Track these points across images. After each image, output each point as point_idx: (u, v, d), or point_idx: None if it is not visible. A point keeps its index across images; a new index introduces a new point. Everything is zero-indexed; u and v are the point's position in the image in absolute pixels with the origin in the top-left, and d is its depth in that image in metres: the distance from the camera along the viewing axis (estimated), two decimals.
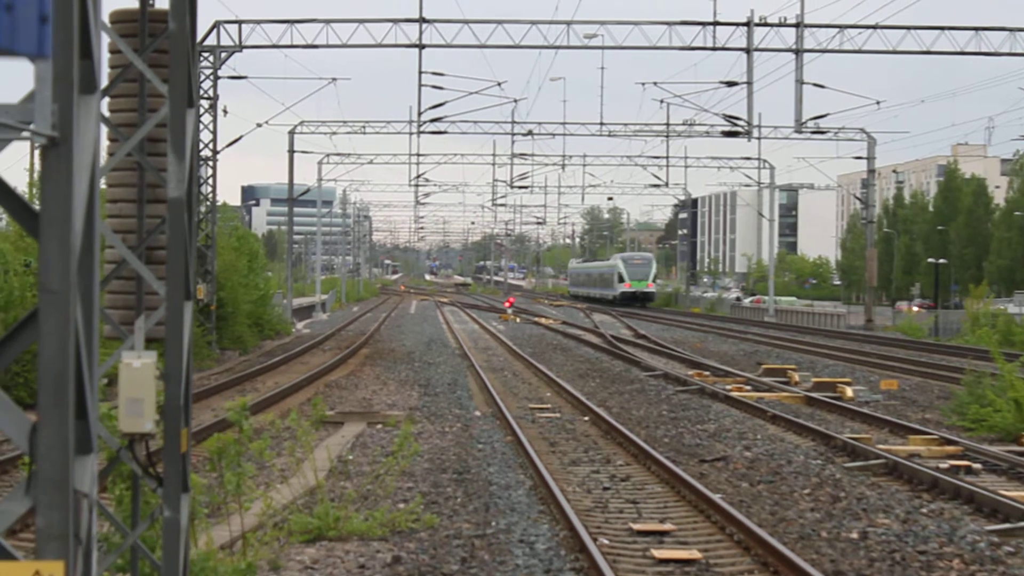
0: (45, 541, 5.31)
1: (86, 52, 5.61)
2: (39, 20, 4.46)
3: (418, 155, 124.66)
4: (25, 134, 5.41)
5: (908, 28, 53.83)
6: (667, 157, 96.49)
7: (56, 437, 5.32)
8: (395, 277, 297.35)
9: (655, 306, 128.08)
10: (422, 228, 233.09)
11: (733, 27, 53.80)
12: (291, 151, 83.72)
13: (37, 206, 5.53)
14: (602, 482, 22.03)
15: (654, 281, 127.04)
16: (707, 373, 43.79)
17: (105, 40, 10.00)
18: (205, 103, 51.95)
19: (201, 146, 51.16)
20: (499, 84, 64.99)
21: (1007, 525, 18.02)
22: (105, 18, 10.66)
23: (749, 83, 55.20)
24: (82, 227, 5.55)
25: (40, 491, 5.32)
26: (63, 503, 5.32)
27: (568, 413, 32.37)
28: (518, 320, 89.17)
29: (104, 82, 9.15)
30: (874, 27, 54.01)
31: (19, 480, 20.03)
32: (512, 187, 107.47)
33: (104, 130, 10.56)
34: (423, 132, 65.52)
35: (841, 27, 54.41)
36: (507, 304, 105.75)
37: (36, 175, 47.95)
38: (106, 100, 10.98)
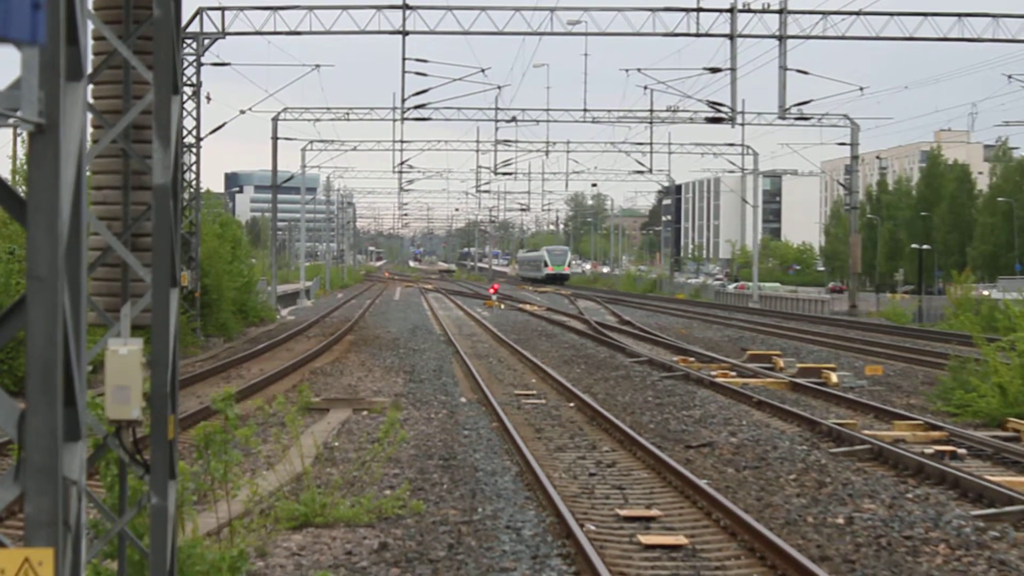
0: (34, 528, 5.30)
1: (72, 39, 5.59)
2: (32, 6, 4.44)
3: (402, 142, 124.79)
4: (12, 121, 5.40)
5: (891, 14, 53.88)
6: (651, 143, 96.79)
7: (45, 424, 5.31)
8: (379, 264, 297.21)
9: (639, 292, 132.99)
10: (406, 215, 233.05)
11: (717, 13, 53.81)
12: (274, 138, 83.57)
13: (21, 193, 5.52)
14: (588, 468, 22.05)
15: (568, 266, 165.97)
16: (692, 359, 43.83)
17: (89, 27, 9.97)
18: (188, 90, 51.82)
19: (184, 133, 51.04)
20: (483, 71, 64.96)
21: (992, 510, 18.06)
22: (89, 5, 10.63)
23: (733, 69, 55.20)
24: (69, 214, 5.53)
25: (29, 478, 5.31)
26: (52, 490, 5.31)
27: (553, 399, 32.39)
28: (502, 307, 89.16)
29: (89, 69, 9.12)
30: (857, 13, 54.05)
31: (7, 467, 20.00)
32: (496, 173, 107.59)
33: (89, 117, 10.53)
34: (407, 119, 65.55)
35: (824, 13, 54.46)
36: (491, 291, 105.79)
37: (20, 162, 47.85)
38: (91, 87, 10.95)
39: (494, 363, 43.15)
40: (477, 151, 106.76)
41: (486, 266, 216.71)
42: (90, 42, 10.77)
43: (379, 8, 51.95)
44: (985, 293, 77.43)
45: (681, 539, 16.33)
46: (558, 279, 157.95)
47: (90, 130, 11.10)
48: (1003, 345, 30.80)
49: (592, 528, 17.00)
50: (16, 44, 4.82)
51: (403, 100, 60.42)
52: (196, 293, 49.99)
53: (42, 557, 5.20)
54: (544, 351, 48.26)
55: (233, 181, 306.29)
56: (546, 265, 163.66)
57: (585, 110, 79.64)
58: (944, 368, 34.49)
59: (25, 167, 41.65)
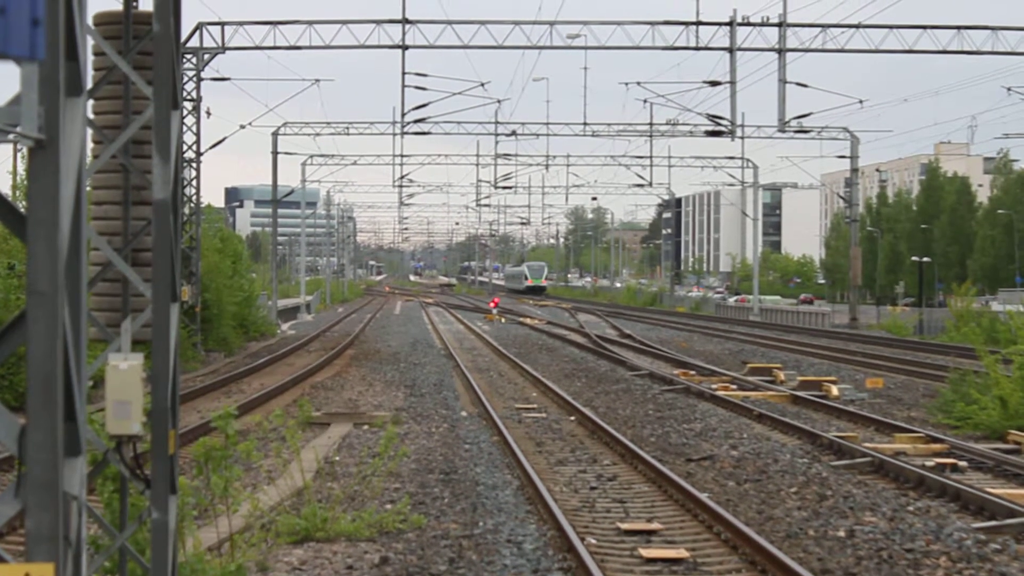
0: (35, 543, 5.30)
1: (72, 54, 5.60)
2: (31, 23, 4.45)
3: (402, 156, 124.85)
4: (11, 137, 5.41)
5: (890, 27, 53.93)
6: (651, 157, 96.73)
7: (45, 439, 5.31)
8: (380, 278, 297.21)
9: (640, 305, 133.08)
10: (406, 229, 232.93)
11: (716, 27, 53.83)
12: (274, 152, 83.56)
13: (21, 208, 5.53)
14: (589, 482, 22.04)
15: (546, 279, 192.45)
16: (693, 372, 43.82)
17: (89, 42, 9.98)
18: (188, 105, 51.86)
19: (184, 148, 51.06)
20: (482, 85, 64.96)
21: (993, 523, 18.05)
22: (89, 20, 10.65)
23: (732, 82, 55.24)
24: (69, 229, 5.54)
25: (30, 493, 5.31)
26: (53, 505, 5.31)
27: (554, 413, 32.38)
28: (503, 320, 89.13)
29: (89, 84, 9.13)
30: (856, 26, 54.09)
31: (7, 482, 19.99)
32: (496, 187, 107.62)
33: (89, 132, 10.54)
34: (407, 133, 65.58)
35: (824, 26, 54.49)
36: (492, 304, 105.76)
37: (20, 178, 47.87)
38: (90, 102, 10.97)
39: (495, 377, 43.14)
40: (477, 165, 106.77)
41: (486, 280, 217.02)
42: (91, 57, 10.80)
43: (379, 23, 52.01)
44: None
45: (683, 552, 16.32)
46: (536, 290, 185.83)
47: (90, 145, 11.13)
48: (1004, 356, 30.81)
49: (593, 542, 16.99)
50: (16, 60, 4.84)
51: (403, 114, 60.47)
52: (196, 308, 49.99)
53: (43, 572, 5.21)
54: (545, 365, 48.26)
55: (233, 196, 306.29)
56: (526, 278, 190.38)
57: (585, 124, 79.67)
58: (945, 380, 34.47)
59: (25, 182, 41.59)
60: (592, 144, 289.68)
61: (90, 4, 6.52)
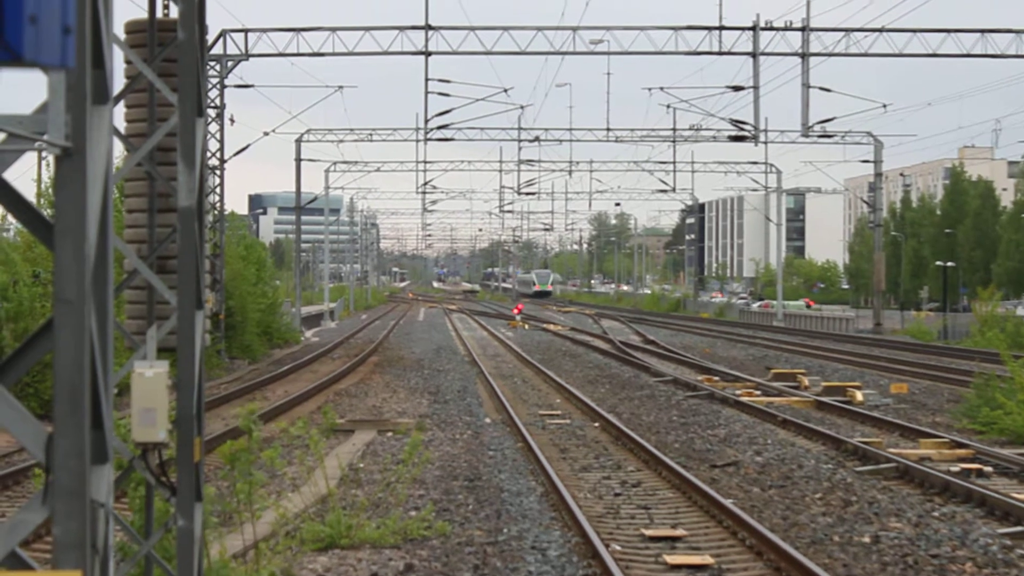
0: (62, 551, 5.32)
1: (98, 62, 5.61)
2: (62, 31, 4.46)
3: (425, 162, 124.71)
4: (38, 144, 5.42)
5: (914, 31, 53.76)
6: (674, 162, 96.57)
7: (72, 447, 5.32)
8: (403, 285, 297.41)
9: (663, 311, 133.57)
10: (429, 235, 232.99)
11: (739, 31, 53.69)
12: (298, 159, 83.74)
13: (47, 216, 5.54)
14: (613, 488, 22.01)
15: (552, 284, 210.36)
16: (716, 378, 43.74)
17: (119, 51, 10.00)
18: (212, 112, 51.95)
19: (208, 155, 51.13)
20: (505, 90, 65.07)
21: (1019, 528, 17.99)
22: (119, 29, 10.68)
23: (755, 87, 55.12)
24: (96, 237, 5.55)
25: (57, 501, 5.32)
26: (80, 513, 5.32)
27: (578, 419, 32.35)
28: (527, 327, 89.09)
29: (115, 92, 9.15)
30: (880, 30, 53.93)
31: (32, 490, 20.04)
32: (519, 193, 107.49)
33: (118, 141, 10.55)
34: (430, 139, 65.48)
35: (847, 31, 54.33)
36: (515, 311, 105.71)
37: (44, 185, 48.01)
38: (121, 111, 10.98)
39: (518, 383, 43.12)
40: (500, 171, 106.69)
41: (509, 286, 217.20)
42: (122, 66, 10.82)
43: (402, 29, 52.02)
44: None
45: (707, 559, 16.29)
46: (543, 294, 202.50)
47: (124, 153, 11.15)
48: None
49: (618, 548, 16.97)
50: (44, 68, 4.85)
51: (426, 120, 60.44)
52: (221, 315, 50.06)
53: None
54: (568, 371, 48.22)
55: (257, 203, 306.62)
56: (534, 284, 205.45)
57: (608, 129, 79.50)
58: (970, 385, 34.36)
59: (49, 190, 41.72)
60: (615, 149, 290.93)
61: (118, 12, 6.54)
